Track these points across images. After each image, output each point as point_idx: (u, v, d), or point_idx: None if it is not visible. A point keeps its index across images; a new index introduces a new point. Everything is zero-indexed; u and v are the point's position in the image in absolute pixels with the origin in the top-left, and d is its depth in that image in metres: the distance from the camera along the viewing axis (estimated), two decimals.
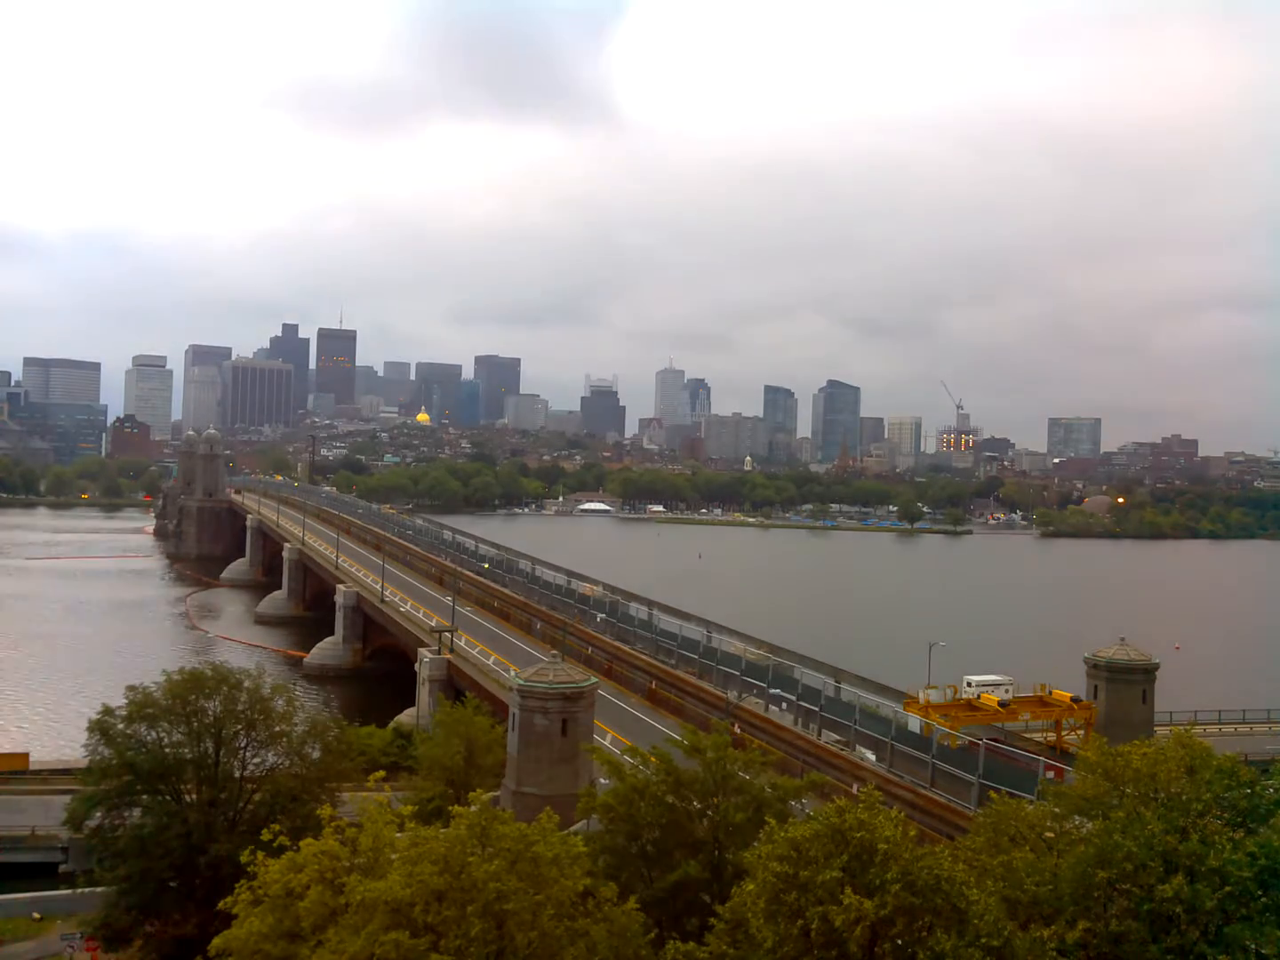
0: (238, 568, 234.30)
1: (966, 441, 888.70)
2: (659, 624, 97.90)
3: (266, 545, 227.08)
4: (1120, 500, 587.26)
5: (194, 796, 52.35)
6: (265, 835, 36.69)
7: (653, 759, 43.94)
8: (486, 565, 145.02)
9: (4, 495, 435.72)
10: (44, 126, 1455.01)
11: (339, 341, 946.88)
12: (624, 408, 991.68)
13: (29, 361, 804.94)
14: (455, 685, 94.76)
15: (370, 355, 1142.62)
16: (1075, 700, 73.68)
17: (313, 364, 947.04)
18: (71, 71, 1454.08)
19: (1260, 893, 30.15)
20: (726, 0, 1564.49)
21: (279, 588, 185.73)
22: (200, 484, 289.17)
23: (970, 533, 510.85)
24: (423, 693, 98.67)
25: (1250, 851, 29.59)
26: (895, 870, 26.62)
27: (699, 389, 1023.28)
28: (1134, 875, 30.70)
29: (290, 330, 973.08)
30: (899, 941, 26.77)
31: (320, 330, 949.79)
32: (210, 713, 52.78)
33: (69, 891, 58.86)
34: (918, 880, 26.59)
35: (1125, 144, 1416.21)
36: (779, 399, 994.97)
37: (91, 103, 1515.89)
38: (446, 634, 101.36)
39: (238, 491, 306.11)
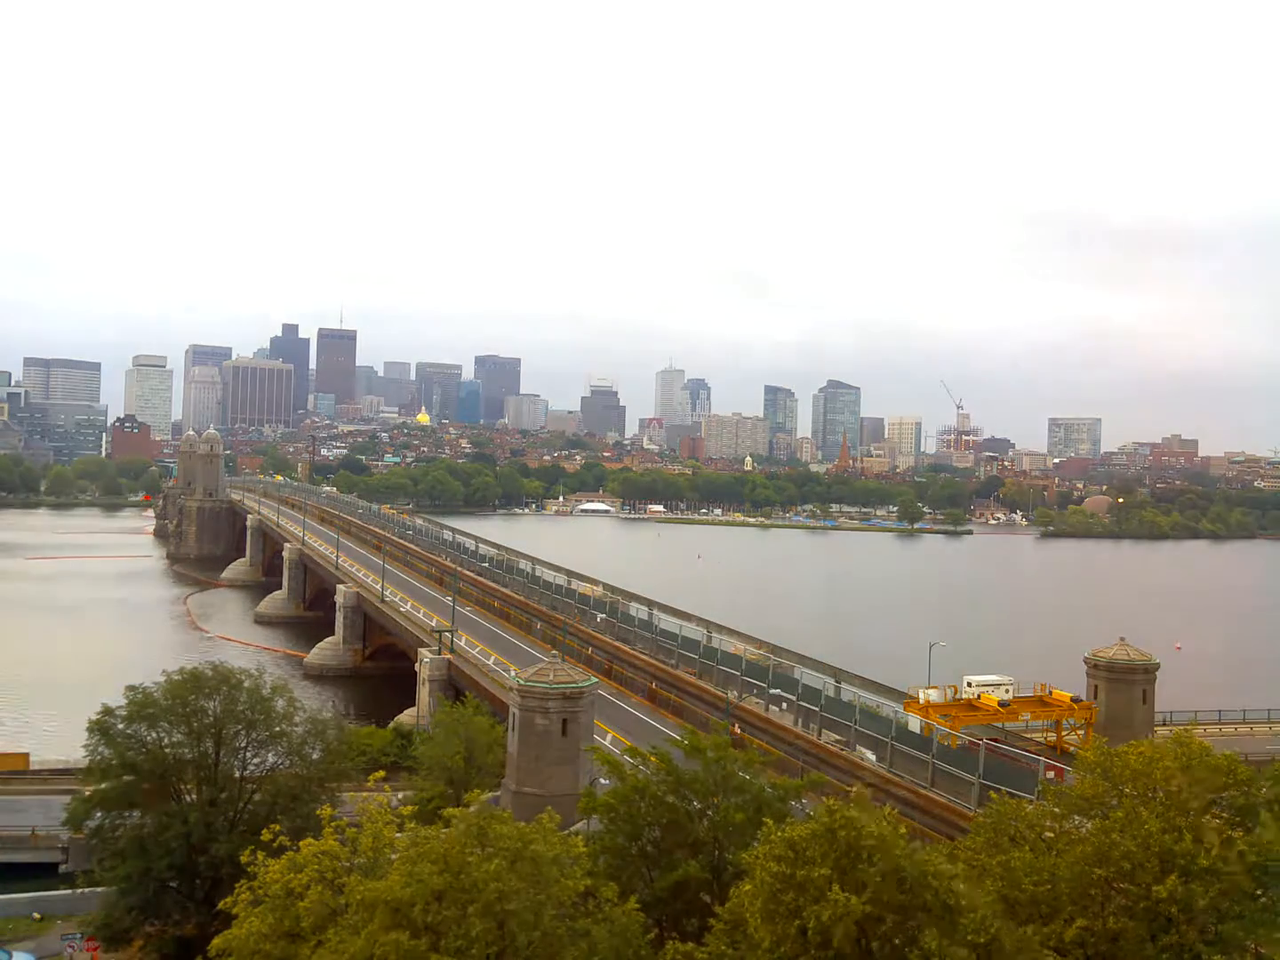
0: (238, 568, 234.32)
1: (966, 441, 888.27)
2: (659, 624, 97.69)
3: (266, 545, 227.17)
4: (1120, 500, 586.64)
5: (194, 796, 52.41)
6: (265, 835, 36.83)
7: (653, 759, 43.95)
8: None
9: (4, 495, 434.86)
10: None
11: (339, 341, 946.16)
12: (624, 408, 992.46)
13: (29, 361, 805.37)
14: (455, 685, 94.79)
15: (370, 355, 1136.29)
16: (1075, 700, 73.61)
17: (313, 364, 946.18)
18: None
19: (1259, 892, 30.24)
20: None
21: (279, 588, 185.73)
22: (200, 484, 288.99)
23: (970, 533, 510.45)
24: (423, 693, 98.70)
25: (1240, 849, 29.66)
26: (881, 866, 26.57)
27: (699, 389, 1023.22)
28: (1131, 874, 30.77)
29: (290, 330, 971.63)
30: (895, 941, 26.76)
31: (320, 330, 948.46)
32: (210, 713, 52.88)
33: (69, 891, 58.93)
34: (906, 876, 26.53)
35: None
36: (779, 399, 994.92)
37: None
38: (446, 634, 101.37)
39: (238, 491, 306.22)
